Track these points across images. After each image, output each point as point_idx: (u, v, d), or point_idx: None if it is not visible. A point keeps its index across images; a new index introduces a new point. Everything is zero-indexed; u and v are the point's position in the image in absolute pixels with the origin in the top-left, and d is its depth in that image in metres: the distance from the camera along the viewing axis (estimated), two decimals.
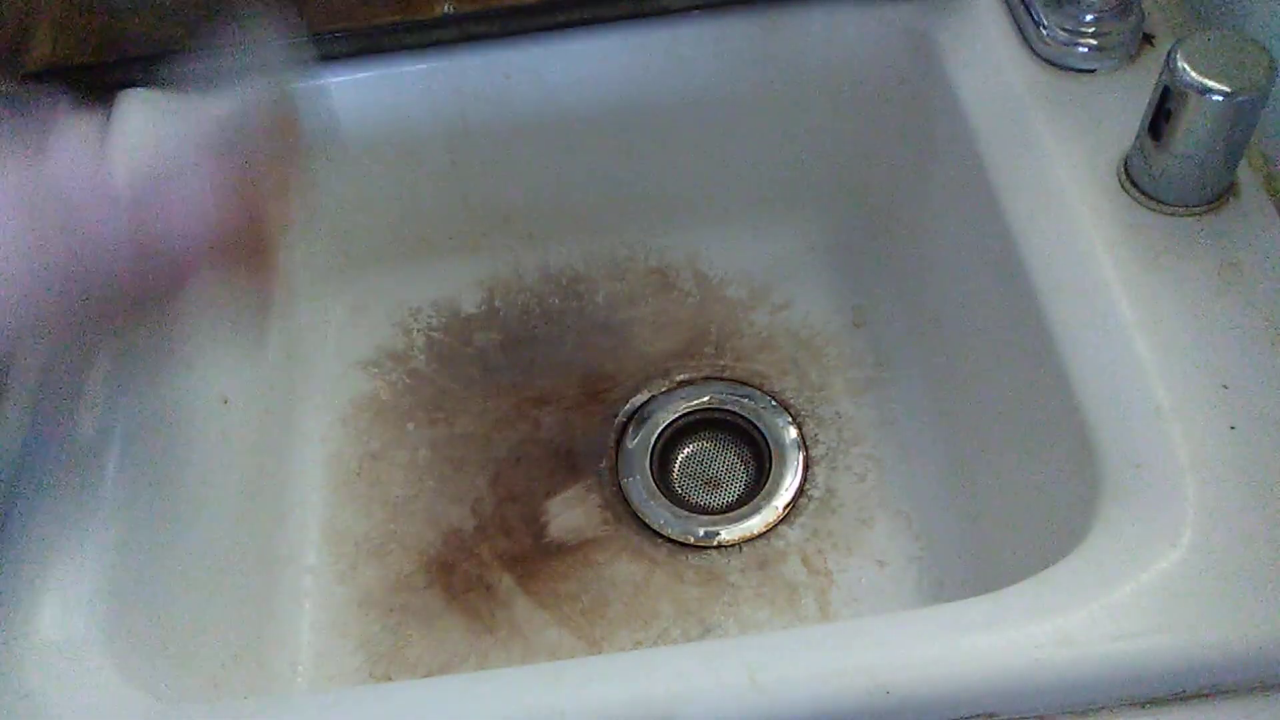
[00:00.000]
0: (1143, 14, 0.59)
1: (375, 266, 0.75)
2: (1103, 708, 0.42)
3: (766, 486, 0.67)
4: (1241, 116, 0.48)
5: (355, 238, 0.73)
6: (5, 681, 0.44)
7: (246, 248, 0.45)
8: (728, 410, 0.70)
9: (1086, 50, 0.58)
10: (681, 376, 0.72)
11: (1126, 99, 0.56)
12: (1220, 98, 0.48)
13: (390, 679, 0.61)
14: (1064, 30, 0.58)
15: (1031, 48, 0.59)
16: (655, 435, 0.69)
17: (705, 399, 0.71)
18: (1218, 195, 0.52)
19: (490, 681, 0.44)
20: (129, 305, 0.44)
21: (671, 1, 0.64)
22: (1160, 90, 0.50)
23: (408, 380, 0.73)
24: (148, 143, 0.60)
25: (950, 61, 0.61)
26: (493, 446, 0.70)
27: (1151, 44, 0.59)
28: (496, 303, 0.75)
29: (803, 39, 0.66)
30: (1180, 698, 0.42)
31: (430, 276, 0.75)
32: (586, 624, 0.63)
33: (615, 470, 0.68)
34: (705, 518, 0.66)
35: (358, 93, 0.65)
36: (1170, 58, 0.49)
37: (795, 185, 0.74)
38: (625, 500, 0.67)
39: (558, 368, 0.73)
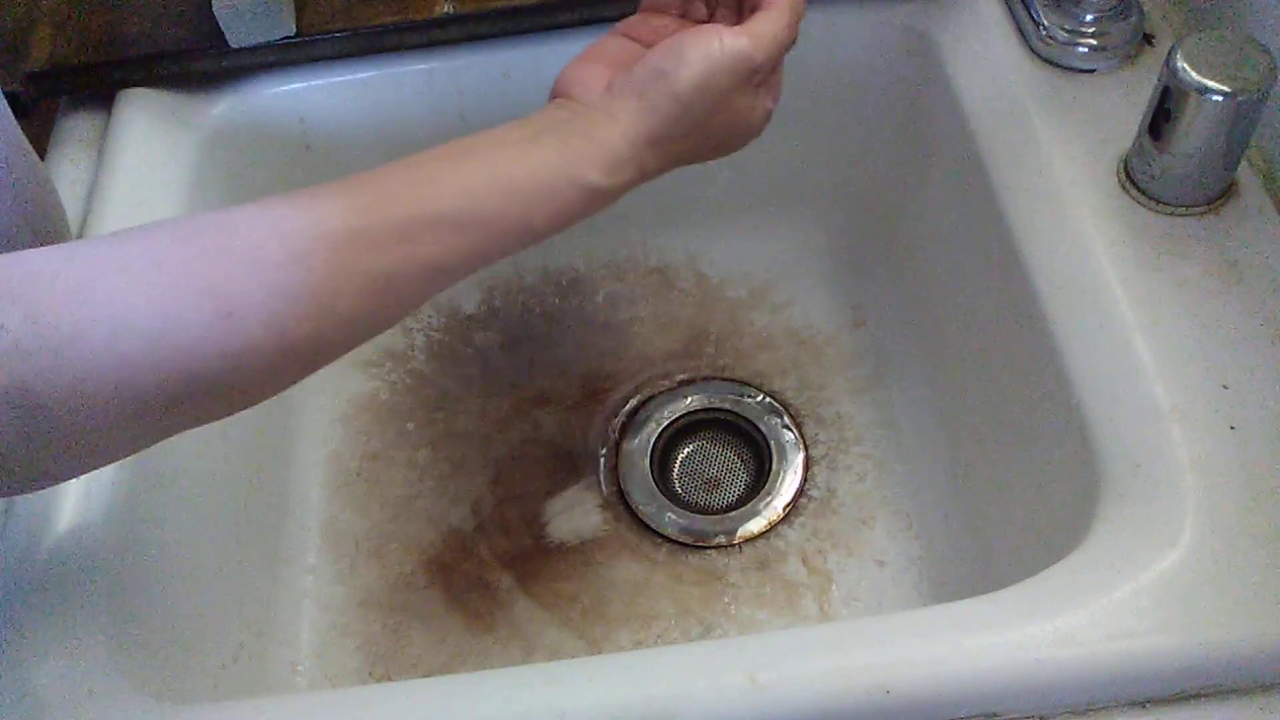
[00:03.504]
0: (1143, 14, 0.59)
1: None
2: (1103, 708, 0.42)
3: (766, 487, 0.67)
4: (1241, 116, 0.48)
5: None
6: (6, 681, 0.44)
7: None
8: (728, 410, 0.70)
9: (1086, 50, 0.58)
10: (681, 376, 0.72)
11: (1126, 99, 0.56)
12: (1220, 98, 0.48)
13: (390, 679, 0.61)
14: (1064, 30, 0.58)
15: (1031, 48, 0.59)
16: (655, 435, 0.69)
17: (705, 399, 0.71)
18: (1218, 195, 0.52)
19: (490, 681, 0.44)
20: None
21: None
22: (1160, 90, 0.50)
23: (408, 380, 0.73)
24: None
25: (950, 61, 0.61)
26: (493, 446, 0.70)
27: (1151, 44, 0.59)
28: (496, 303, 0.75)
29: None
30: (1180, 698, 0.42)
31: None
32: (586, 624, 0.63)
33: (615, 470, 0.68)
34: (705, 518, 0.66)
35: (358, 93, 0.65)
36: (1170, 58, 0.49)
37: (795, 185, 0.74)
38: (625, 500, 0.67)
39: (558, 368, 0.73)
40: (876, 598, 0.62)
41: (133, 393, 0.35)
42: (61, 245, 0.35)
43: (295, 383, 0.40)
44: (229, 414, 0.39)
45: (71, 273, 0.34)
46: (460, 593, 0.64)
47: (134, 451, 0.38)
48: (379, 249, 0.39)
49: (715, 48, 0.44)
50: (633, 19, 0.51)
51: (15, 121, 0.50)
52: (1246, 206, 0.52)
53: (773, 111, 0.49)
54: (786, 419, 0.69)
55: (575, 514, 0.67)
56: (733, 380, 0.71)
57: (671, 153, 0.45)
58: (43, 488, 0.39)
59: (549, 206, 0.42)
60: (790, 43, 0.47)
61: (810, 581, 0.63)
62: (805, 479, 0.67)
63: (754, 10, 0.47)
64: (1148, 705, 0.42)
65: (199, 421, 0.39)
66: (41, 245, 0.51)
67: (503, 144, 0.43)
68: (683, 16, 0.51)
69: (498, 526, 0.67)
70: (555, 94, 0.48)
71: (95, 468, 0.39)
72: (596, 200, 0.44)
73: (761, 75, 0.46)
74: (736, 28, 0.45)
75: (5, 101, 0.48)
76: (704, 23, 0.51)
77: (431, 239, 0.40)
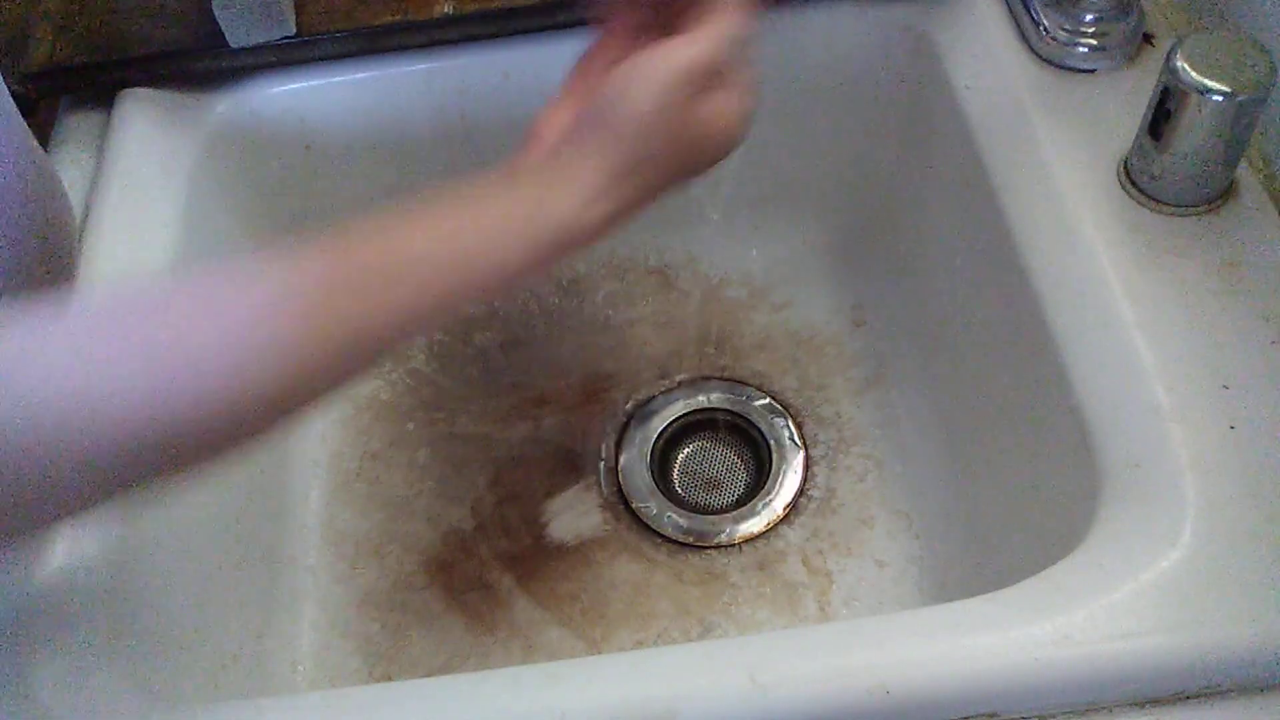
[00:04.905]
0: (1143, 14, 0.59)
1: None
2: (1103, 708, 0.42)
3: (767, 487, 0.67)
4: (1241, 116, 0.48)
5: None
6: (7, 681, 0.44)
7: None
8: (728, 410, 0.70)
9: (1086, 50, 0.58)
10: (681, 376, 0.72)
11: (1126, 99, 0.56)
12: (1220, 98, 0.48)
13: (390, 679, 0.61)
14: (1064, 30, 0.58)
15: (1031, 48, 0.59)
16: (655, 435, 0.69)
17: (705, 399, 0.71)
18: (1218, 195, 0.52)
19: (490, 681, 0.44)
20: None
21: None
22: (1160, 90, 0.50)
23: (408, 380, 0.73)
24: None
25: (950, 61, 0.61)
26: (493, 446, 0.70)
27: (1151, 44, 0.59)
28: (496, 303, 0.75)
29: (802, 39, 0.66)
30: (1180, 698, 0.42)
31: None
32: (586, 624, 0.63)
33: (615, 470, 0.68)
34: (705, 518, 0.66)
35: (358, 93, 0.65)
36: (1170, 58, 0.49)
37: (795, 185, 0.74)
38: (625, 500, 0.67)
39: (558, 368, 0.73)
40: (876, 598, 0.62)
41: (96, 458, 0.34)
42: (11, 309, 0.35)
43: (264, 438, 0.39)
44: (198, 471, 0.38)
45: (15, 346, 0.33)
46: (460, 593, 0.64)
47: (108, 504, 0.38)
48: (354, 294, 0.38)
49: (660, 64, 0.43)
50: (591, 49, 0.50)
51: (26, 127, 0.50)
52: (1246, 206, 0.52)
53: (751, 109, 0.48)
54: (786, 419, 0.69)
55: (575, 514, 0.67)
56: (733, 380, 0.71)
57: (649, 180, 0.44)
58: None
59: (524, 247, 0.41)
60: (745, 34, 0.45)
61: (810, 581, 0.63)
62: (805, 479, 0.67)
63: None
64: (1148, 705, 0.42)
65: (173, 478, 0.38)
66: (50, 249, 0.52)
67: (474, 189, 0.42)
68: (638, 37, 0.51)
69: (498, 526, 0.67)
70: (527, 137, 0.47)
71: (60, 525, 0.38)
72: (575, 238, 0.42)
73: (720, 76, 0.45)
74: (679, 37, 0.44)
75: (16, 108, 0.48)
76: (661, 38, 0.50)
77: (406, 283, 0.39)
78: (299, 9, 0.62)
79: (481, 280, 0.41)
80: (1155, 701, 0.42)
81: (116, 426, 0.34)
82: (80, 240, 0.56)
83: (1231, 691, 0.42)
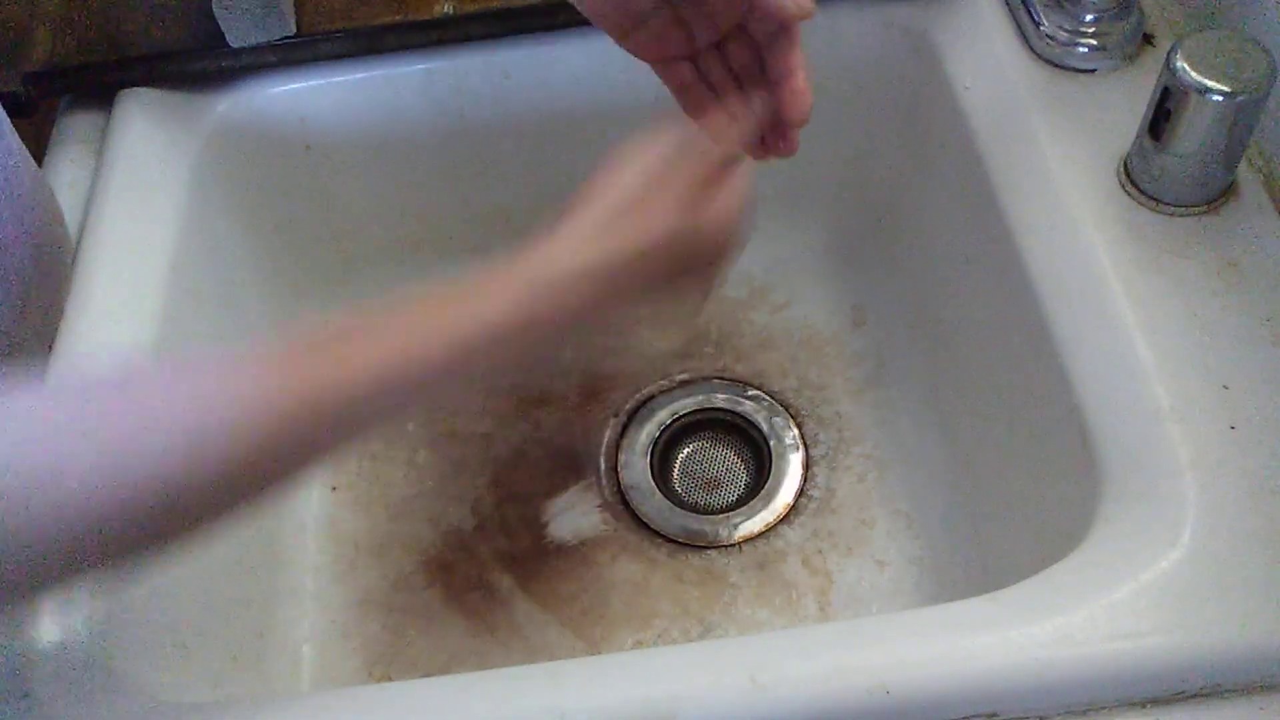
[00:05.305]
0: (1143, 14, 0.59)
1: (375, 266, 0.75)
2: (1103, 708, 0.42)
3: (766, 487, 0.67)
4: (1241, 116, 0.48)
5: (355, 238, 0.73)
6: (6, 682, 0.44)
7: None
8: (727, 410, 0.70)
9: (1086, 50, 0.58)
10: (682, 376, 0.72)
11: (1126, 99, 0.56)
12: (1220, 98, 0.48)
13: (390, 679, 0.61)
14: (1064, 30, 0.58)
15: (1031, 48, 0.59)
16: (655, 435, 0.69)
17: (705, 399, 0.71)
18: (1218, 195, 0.52)
19: (490, 681, 0.44)
20: None
21: None
22: (1160, 90, 0.50)
23: None
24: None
25: (950, 61, 0.61)
26: (493, 446, 0.70)
27: (1151, 44, 0.59)
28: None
29: (803, 39, 0.65)
30: (1180, 698, 0.42)
31: (430, 276, 0.75)
32: (586, 624, 0.63)
33: (615, 470, 0.68)
34: (705, 518, 0.66)
35: (358, 93, 0.65)
36: (1170, 58, 0.49)
37: (795, 185, 0.74)
38: (625, 500, 0.67)
39: (558, 368, 0.73)
40: (876, 598, 0.62)
41: (58, 533, 0.34)
42: None
43: (233, 518, 0.39)
44: (172, 548, 0.38)
45: None
46: (460, 593, 0.64)
47: (89, 578, 0.38)
48: (313, 358, 0.39)
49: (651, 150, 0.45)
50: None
51: (15, 133, 0.50)
52: (1246, 206, 0.52)
53: (746, 219, 0.47)
54: (786, 419, 0.69)
55: (575, 514, 0.67)
56: (733, 380, 0.71)
57: (639, 239, 0.44)
58: None
59: (503, 298, 0.44)
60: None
61: (810, 581, 0.63)
62: (805, 479, 0.67)
63: (779, 79, 0.48)
64: (1148, 705, 0.42)
65: (150, 553, 0.38)
66: (44, 265, 0.52)
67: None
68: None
69: (498, 526, 0.67)
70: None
71: (38, 599, 0.39)
72: (557, 287, 0.43)
73: (721, 179, 0.46)
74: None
75: (10, 123, 0.48)
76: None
77: (348, 351, 0.40)
78: (299, 9, 0.62)
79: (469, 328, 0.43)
80: (1155, 701, 0.42)
81: (77, 501, 0.34)
82: (79, 242, 0.56)
83: (1231, 691, 0.42)
